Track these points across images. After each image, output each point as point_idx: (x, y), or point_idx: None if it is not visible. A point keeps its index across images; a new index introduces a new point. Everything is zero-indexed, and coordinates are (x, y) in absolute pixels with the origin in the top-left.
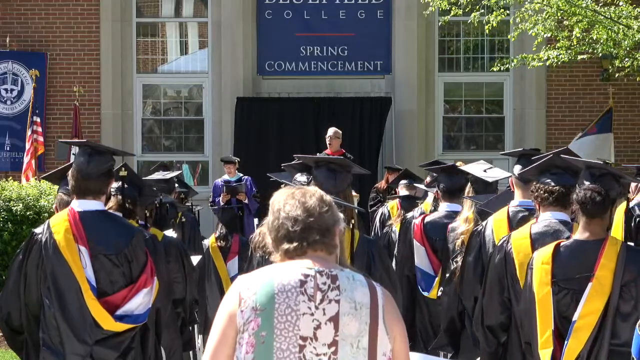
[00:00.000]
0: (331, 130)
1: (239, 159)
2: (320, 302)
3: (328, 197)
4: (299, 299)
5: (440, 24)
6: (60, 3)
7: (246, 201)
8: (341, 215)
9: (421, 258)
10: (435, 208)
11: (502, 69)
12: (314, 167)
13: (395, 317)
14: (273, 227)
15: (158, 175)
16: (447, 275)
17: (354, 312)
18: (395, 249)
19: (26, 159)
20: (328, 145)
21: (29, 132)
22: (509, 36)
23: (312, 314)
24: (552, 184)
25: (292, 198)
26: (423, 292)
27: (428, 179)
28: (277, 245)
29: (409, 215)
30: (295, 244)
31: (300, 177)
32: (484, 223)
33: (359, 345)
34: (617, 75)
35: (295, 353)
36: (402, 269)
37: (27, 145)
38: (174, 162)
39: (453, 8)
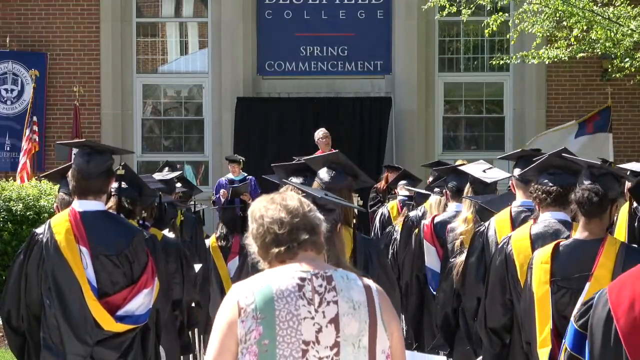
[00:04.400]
0: (321, 132)
1: (243, 159)
2: (319, 305)
3: (307, 200)
4: (298, 304)
5: (437, 18)
6: (60, 3)
7: (250, 202)
8: (322, 216)
9: (431, 258)
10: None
11: (501, 64)
12: (318, 167)
13: (391, 314)
14: (258, 234)
15: (158, 176)
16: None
17: (353, 312)
18: (392, 245)
19: (22, 160)
20: (319, 146)
21: (26, 132)
22: (507, 35)
23: (312, 318)
24: (550, 184)
25: (272, 203)
26: (434, 292)
27: (430, 180)
28: (265, 251)
29: (412, 214)
30: (285, 247)
31: (296, 180)
32: (486, 224)
33: (360, 345)
34: (615, 75)
35: (299, 358)
36: (412, 269)
37: (25, 146)
38: (177, 163)
39: (448, 5)
